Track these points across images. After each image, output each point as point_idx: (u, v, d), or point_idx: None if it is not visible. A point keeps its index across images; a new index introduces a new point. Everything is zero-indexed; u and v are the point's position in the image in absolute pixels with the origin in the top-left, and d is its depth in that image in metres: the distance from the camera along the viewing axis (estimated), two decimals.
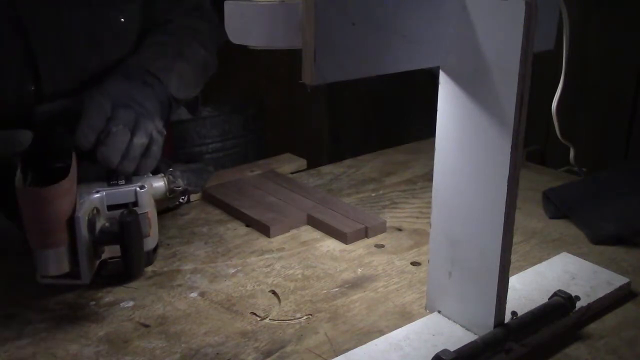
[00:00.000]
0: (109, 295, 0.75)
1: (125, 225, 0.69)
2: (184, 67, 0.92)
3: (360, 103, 2.00)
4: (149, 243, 0.78)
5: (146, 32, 0.97)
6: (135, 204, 0.74)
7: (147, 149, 0.77)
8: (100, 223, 0.71)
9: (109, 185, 0.74)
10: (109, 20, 0.91)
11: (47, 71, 0.87)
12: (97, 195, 0.71)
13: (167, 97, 0.88)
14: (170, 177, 0.80)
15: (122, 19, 0.93)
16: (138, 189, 0.74)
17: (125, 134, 0.75)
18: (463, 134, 0.62)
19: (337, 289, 0.77)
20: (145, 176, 0.78)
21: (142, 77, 0.85)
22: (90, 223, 0.68)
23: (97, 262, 0.72)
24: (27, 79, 0.86)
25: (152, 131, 0.78)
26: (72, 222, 0.66)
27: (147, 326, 0.70)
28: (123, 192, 0.73)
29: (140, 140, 0.76)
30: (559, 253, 0.83)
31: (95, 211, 0.70)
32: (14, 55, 0.85)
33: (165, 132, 0.82)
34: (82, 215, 0.67)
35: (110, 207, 0.73)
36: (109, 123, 0.75)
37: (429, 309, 0.71)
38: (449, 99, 0.62)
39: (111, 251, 0.73)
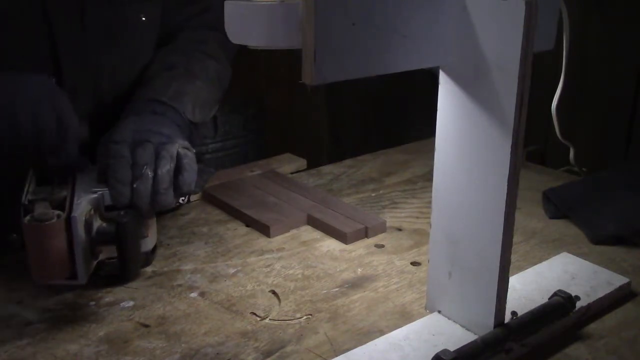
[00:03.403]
0: (108, 295, 0.75)
1: (121, 226, 0.69)
2: (197, 86, 0.91)
3: (360, 103, 1.99)
4: (147, 244, 0.78)
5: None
6: None
7: (178, 166, 0.76)
8: (97, 223, 0.71)
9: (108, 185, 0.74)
10: (131, 18, 0.92)
11: (69, 65, 0.87)
12: (95, 195, 0.72)
13: (184, 122, 0.87)
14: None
15: (144, 18, 0.93)
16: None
17: (148, 179, 0.74)
18: (463, 134, 0.62)
19: (337, 289, 0.77)
20: None
21: (152, 107, 0.84)
22: (87, 223, 0.68)
23: (95, 263, 0.72)
24: (49, 72, 0.87)
25: (178, 150, 0.77)
26: (68, 222, 0.66)
27: (147, 326, 0.70)
28: None
29: (164, 169, 0.75)
30: (559, 253, 0.83)
31: (92, 212, 0.70)
32: (38, 48, 0.86)
33: (192, 149, 0.82)
34: (79, 215, 0.67)
35: (108, 208, 0.73)
36: (133, 170, 0.74)
37: (429, 309, 0.71)
38: (449, 99, 0.62)
39: (109, 251, 0.73)
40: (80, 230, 0.67)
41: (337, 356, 0.63)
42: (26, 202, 0.69)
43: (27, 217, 0.66)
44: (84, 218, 0.68)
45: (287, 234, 0.91)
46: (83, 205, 0.69)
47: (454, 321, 0.68)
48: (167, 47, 0.98)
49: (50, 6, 0.84)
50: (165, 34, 0.99)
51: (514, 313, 0.65)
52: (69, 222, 0.66)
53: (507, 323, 0.65)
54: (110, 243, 0.71)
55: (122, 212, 0.71)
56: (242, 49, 0.56)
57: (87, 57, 0.89)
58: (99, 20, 0.88)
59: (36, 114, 0.74)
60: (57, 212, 0.67)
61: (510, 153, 0.58)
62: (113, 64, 0.92)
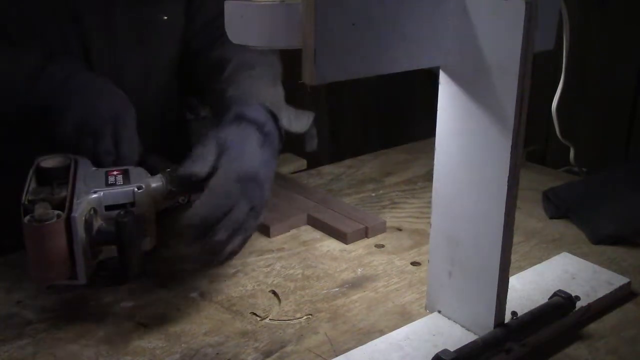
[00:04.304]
0: (109, 295, 0.75)
1: (121, 225, 0.69)
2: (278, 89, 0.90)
3: (360, 103, 1.99)
4: (147, 243, 0.77)
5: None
6: (133, 204, 0.74)
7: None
8: (97, 223, 0.71)
9: (107, 185, 0.74)
10: (153, 17, 0.94)
11: (99, 62, 0.90)
12: (95, 195, 0.71)
13: (276, 134, 0.84)
14: (169, 177, 0.80)
15: (165, 17, 0.95)
16: (136, 189, 0.74)
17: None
18: (463, 134, 0.62)
19: (337, 289, 0.77)
20: (144, 176, 0.77)
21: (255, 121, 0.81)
22: (87, 223, 0.68)
23: (95, 262, 0.72)
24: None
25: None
26: (68, 222, 0.66)
27: (147, 326, 0.70)
28: (121, 192, 0.73)
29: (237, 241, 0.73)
30: (559, 253, 0.83)
31: (92, 211, 0.70)
32: (69, 42, 0.88)
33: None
34: (79, 215, 0.67)
35: (108, 208, 0.73)
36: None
37: (429, 309, 0.71)
38: (449, 99, 0.62)
39: (110, 251, 0.72)
40: (80, 230, 0.67)
41: (337, 356, 0.63)
42: (26, 202, 0.69)
43: (27, 217, 0.66)
44: (84, 218, 0.68)
45: (287, 234, 0.91)
46: (83, 205, 0.69)
47: (454, 321, 0.68)
48: (225, 40, 0.96)
49: (82, 5, 0.86)
50: (207, 22, 0.98)
51: (514, 313, 0.65)
52: (69, 222, 0.66)
53: (507, 323, 0.65)
54: (110, 243, 0.71)
55: (121, 212, 0.71)
56: None
57: (115, 54, 0.91)
58: (127, 19, 0.90)
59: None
60: (57, 212, 0.67)
61: (510, 153, 0.58)
62: (138, 62, 0.94)
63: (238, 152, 0.74)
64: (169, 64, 0.98)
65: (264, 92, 0.86)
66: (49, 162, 0.76)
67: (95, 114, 0.79)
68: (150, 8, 0.93)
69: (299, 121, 0.90)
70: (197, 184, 0.73)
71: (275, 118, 0.83)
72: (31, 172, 0.75)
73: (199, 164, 0.72)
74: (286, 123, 0.85)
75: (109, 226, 0.71)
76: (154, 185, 0.77)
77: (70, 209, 0.67)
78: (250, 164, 0.74)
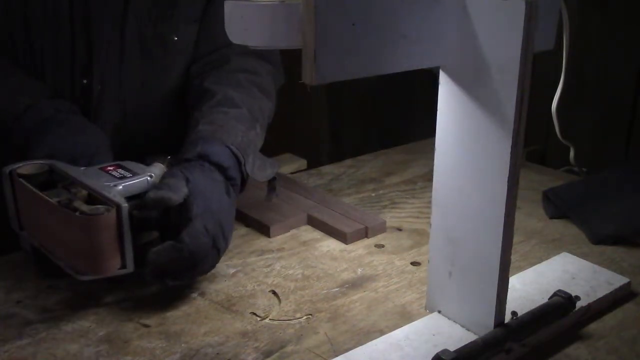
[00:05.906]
0: (109, 295, 0.75)
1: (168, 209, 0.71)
2: (257, 133, 0.89)
3: (360, 103, 1.99)
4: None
5: (203, 78, 0.95)
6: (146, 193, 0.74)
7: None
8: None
9: (118, 178, 0.74)
10: (164, 36, 0.93)
11: (100, 72, 0.90)
12: (120, 187, 0.72)
13: (238, 177, 0.83)
14: (169, 164, 0.80)
15: (175, 38, 0.94)
16: (149, 178, 0.75)
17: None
18: (463, 134, 0.62)
19: (337, 289, 0.77)
20: (142, 167, 0.78)
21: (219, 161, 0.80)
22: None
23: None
24: (81, 73, 0.89)
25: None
26: (118, 212, 0.68)
27: (147, 326, 0.70)
28: (137, 183, 0.74)
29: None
30: (559, 253, 0.83)
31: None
32: (74, 51, 0.88)
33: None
34: (125, 206, 0.68)
35: (127, 199, 0.73)
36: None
37: (429, 309, 0.71)
38: (449, 99, 0.62)
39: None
40: (127, 220, 0.68)
41: (337, 356, 0.63)
42: (57, 204, 0.69)
43: (77, 213, 0.66)
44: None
45: (287, 234, 0.91)
46: (118, 197, 0.69)
47: (454, 321, 0.68)
48: (222, 73, 0.95)
49: (94, 12, 0.87)
50: (213, 51, 0.98)
51: (514, 313, 0.65)
52: (118, 212, 0.68)
53: (507, 323, 0.65)
54: (151, 228, 0.72)
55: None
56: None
57: (120, 66, 0.91)
58: (136, 33, 0.90)
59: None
60: (101, 206, 0.68)
61: (510, 153, 0.58)
62: (142, 78, 0.93)
63: (207, 201, 0.74)
64: (172, 83, 0.97)
65: (233, 133, 0.84)
66: (27, 168, 0.75)
67: (73, 146, 0.80)
68: (161, 26, 0.92)
69: (262, 171, 0.88)
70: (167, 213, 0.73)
71: (239, 161, 0.82)
72: (7, 179, 0.74)
73: (173, 192, 0.71)
74: (249, 169, 0.83)
75: (145, 213, 0.72)
76: (159, 173, 0.77)
77: (113, 201, 0.68)
78: (217, 216, 0.74)
